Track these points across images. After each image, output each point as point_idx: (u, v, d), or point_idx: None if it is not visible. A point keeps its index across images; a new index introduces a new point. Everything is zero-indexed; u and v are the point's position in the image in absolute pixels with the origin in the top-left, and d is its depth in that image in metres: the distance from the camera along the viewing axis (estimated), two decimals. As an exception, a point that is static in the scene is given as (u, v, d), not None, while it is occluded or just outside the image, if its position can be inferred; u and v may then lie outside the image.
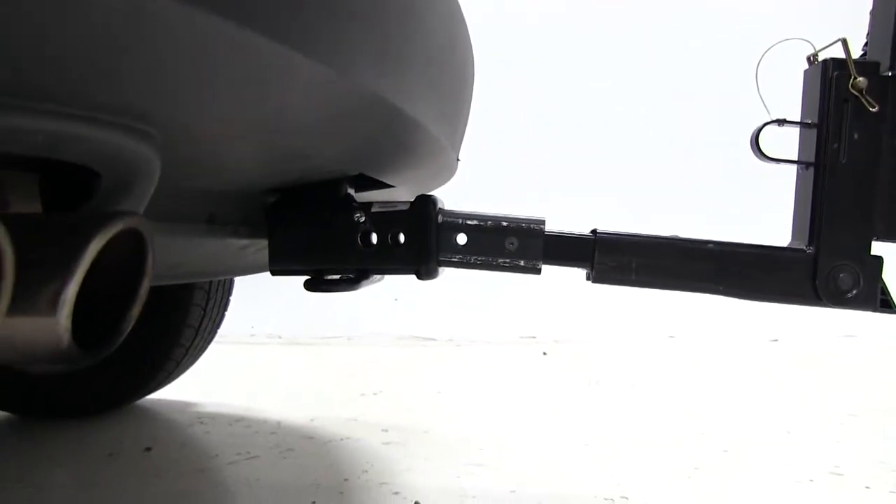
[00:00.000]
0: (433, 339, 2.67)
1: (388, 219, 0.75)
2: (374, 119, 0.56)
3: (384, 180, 0.79)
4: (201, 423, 1.48)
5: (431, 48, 0.62)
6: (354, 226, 0.75)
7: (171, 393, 1.67)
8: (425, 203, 0.75)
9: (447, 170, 0.93)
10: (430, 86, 0.64)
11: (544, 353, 2.37)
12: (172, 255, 0.72)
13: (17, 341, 0.36)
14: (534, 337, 2.63)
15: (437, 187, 1.04)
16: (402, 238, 0.75)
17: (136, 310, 0.42)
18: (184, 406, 1.62)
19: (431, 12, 0.61)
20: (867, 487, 1.08)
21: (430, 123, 0.65)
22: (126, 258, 0.42)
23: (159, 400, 1.65)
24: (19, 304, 0.35)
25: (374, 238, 0.76)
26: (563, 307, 2.52)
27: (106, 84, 0.36)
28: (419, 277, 0.76)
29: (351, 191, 0.78)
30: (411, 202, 0.76)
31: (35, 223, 0.40)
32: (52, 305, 0.35)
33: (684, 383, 1.93)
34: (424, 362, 2.30)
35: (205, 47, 0.36)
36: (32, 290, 0.35)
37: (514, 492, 1.06)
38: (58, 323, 0.35)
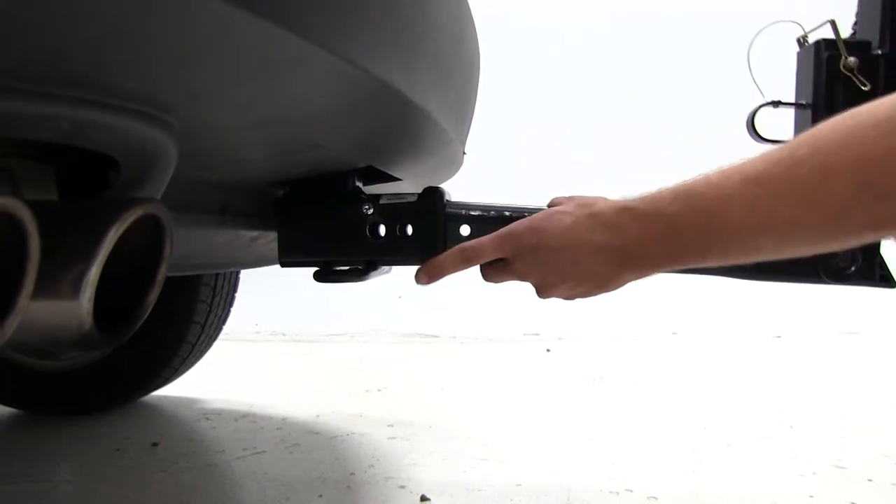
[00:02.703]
0: (436, 336, 2.68)
1: (396, 211, 0.76)
2: (386, 110, 0.57)
3: (392, 173, 0.80)
4: (207, 418, 1.49)
5: (442, 40, 0.63)
6: (363, 218, 0.75)
7: (176, 389, 1.67)
8: (432, 195, 0.76)
9: (454, 163, 0.93)
10: (441, 78, 0.65)
11: (548, 350, 2.38)
12: (185, 246, 0.73)
13: (41, 324, 0.37)
14: (537, 334, 2.64)
15: (443, 181, 1.05)
16: (409, 230, 0.76)
17: (153, 295, 0.43)
18: (190, 402, 1.63)
19: (442, 5, 0.62)
20: (870, 480, 1.09)
21: (440, 116, 0.65)
22: (144, 245, 0.42)
23: (165, 396, 1.66)
24: (43, 288, 0.36)
25: (382, 230, 0.77)
26: (566, 304, 2.52)
27: (130, 74, 0.36)
28: (427, 269, 0.77)
29: (359, 183, 0.79)
30: (419, 194, 0.76)
31: (58, 209, 0.41)
32: (75, 289, 0.36)
33: (688, 379, 1.93)
34: (428, 359, 2.31)
35: (224, 39, 0.37)
36: (56, 274, 0.36)
37: (519, 485, 1.07)
38: (80, 306, 0.36)
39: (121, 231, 0.37)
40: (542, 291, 0.72)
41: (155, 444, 1.30)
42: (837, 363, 2.16)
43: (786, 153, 0.52)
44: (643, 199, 0.62)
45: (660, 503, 1.01)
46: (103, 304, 0.41)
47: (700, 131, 2.69)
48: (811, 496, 1.02)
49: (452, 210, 0.76)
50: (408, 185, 0.89)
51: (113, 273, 0.41)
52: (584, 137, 2.71)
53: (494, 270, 0.73)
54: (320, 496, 1.03)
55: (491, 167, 2.33)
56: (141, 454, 1.25)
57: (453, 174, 1.04)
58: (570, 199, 0.70)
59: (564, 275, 0.68)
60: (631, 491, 1.05)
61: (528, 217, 0.71)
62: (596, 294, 0.70)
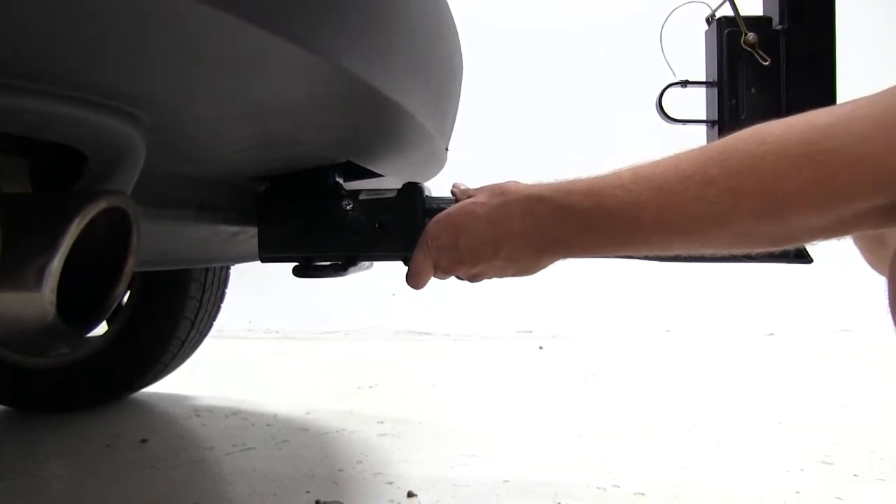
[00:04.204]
0: (429, 334, 2.68)
1: (376, 206, 0.76)
2: (359, 106, 0.57)
3: (372, 168, 0.80)
4: (198, 415, 1.49)
5: (417, 37, 0.63)
6: (343, 213, 0.76)
7: (167, 386, 1.68)
8: (411, 190, 0.76)
9: (436, 160, 0.94)
10: (417, 74, 0.65)
11: (540, 348, 2.38)
12: (165, 241, 0.73)
13: (5, 315, 0.37)
14: (530, 331, 2.64)
15: (428, 178, 1.05)
16: (388, 225, 0.77)
17: (120, 287, 0.43)
18: (180, 399, 1.63)
19: (416, 2, 0.62)
20: (855, 475, 1.09)
21: (417, 111, 0.66)
22: (111, 237, 0.43)
23: (156, 393, 1.66)
24: (6, 279, 0.36)
25: (362, 225, 0.77)
26: (560, 302, 2.53)
27: (94, 66, 0.36)
28: (406, 264, 0.77)
29: (339, 179, 0.79)
30: (398, 190, 0.77)
31: (22, 202, 0.41)
32: (38, 279, 0.36)
33: (679, 376, 1.93)
34: (420, 356, 2.31)
35: (191, 33, 0.37)
36: (19, 266, 0.36)
37: (507, 481, 1.07)
38: (43, 297, 0.36)
39: (84, 223, 0.37)
40: (471, 280, 0.73)
41: (144, 441, 1.30)
42: (829, 361, 2.16)
43: (697, 167, 0.54)
44: (558, 189, 0.63)
45: (647, 499, 1.01)
46: (71, 296, 0.41)
47: (699, 132, 2.69)
48: (798, 492, 1.03)
49: (431, 205, 0.76)
50: (391, 181, 0.90)
51: (80, 265, 0.41)
52: (583, 139, 2.71)
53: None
54: (308, 492, 1.03)
55: (489, 169, 2.32)
56: (131, 451, 1.26)
57: (437, 171, 1.04)
58: (481, 189, 0.70)
59: (488, 264, 0.68)
60: (618, 487, 1.05)
61: (441, 214, 0.70)
62: (522, 276, 0.71)
